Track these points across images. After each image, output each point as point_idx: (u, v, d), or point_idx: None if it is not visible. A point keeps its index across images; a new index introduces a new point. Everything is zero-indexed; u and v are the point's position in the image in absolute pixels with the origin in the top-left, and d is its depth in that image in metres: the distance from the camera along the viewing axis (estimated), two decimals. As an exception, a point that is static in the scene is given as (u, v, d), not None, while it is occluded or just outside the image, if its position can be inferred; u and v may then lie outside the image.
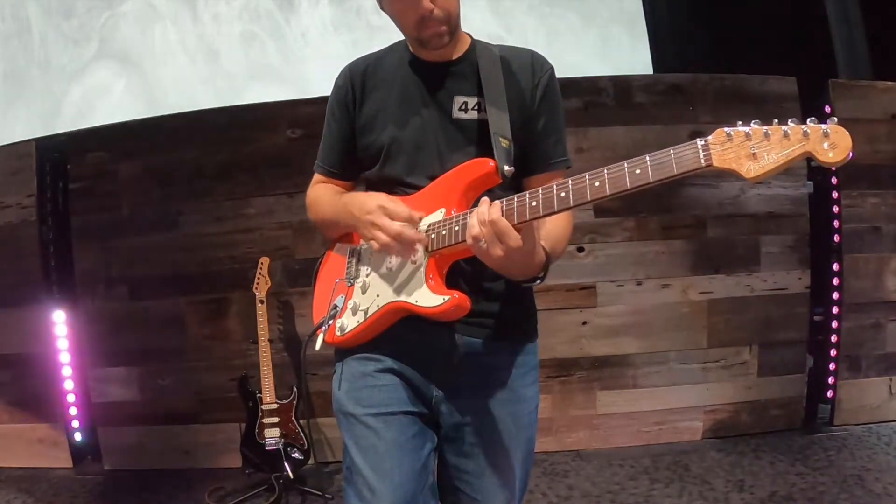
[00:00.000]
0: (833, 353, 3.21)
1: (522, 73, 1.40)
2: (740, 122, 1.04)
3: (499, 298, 1.39)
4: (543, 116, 1.40)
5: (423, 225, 1.31)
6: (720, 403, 3.19)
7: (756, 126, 1.02)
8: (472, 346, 1.37)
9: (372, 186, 1.46)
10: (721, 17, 3.85)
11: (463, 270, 1.34)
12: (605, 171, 1.11)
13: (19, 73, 3.98)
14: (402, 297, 1.31)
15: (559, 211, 1.15)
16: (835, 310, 3.20)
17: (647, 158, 1.07)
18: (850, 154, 0.97)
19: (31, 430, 3.23)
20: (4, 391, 3.23)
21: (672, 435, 3.17)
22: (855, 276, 3.19)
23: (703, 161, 1.04)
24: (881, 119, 3.19)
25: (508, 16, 3.95)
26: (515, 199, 1.19)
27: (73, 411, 3.21)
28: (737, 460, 2.95)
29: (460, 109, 1.38)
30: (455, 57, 1.41)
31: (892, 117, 3.20)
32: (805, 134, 0.99)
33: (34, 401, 3.21)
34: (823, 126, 0.98)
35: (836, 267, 3.20)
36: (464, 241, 1.22)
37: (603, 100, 3.14)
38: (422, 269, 1.29)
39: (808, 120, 1.00)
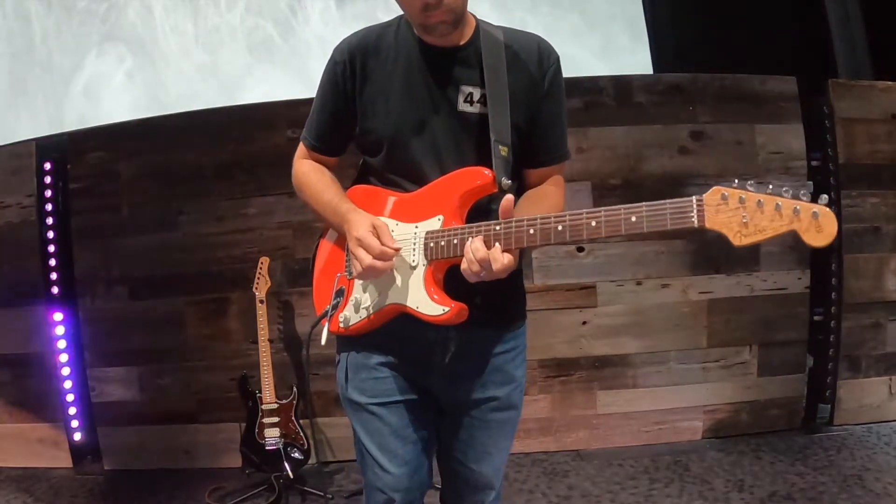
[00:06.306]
0: (833, 353, 3.20)
1: (529, 62, 1.39)
2: (736, 181, 1.08)
3: (491, 289, 1.39)
4: (549, 110, 1.42)
5: (422, 231, 1.36)
6: (720, 403, 3.19)
7: (752, 190, 1.07)
8: (467, 335, 1.43)
9: (371, 172, 1.49)
10: (721, 17, 3.85)
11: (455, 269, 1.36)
12: (603, 212, 1.18)
13: (21, 70, 3.98)
14: (404, 302, 1.37)
15: (555, 243, 1.24)
16: (834, 310, 3.20)
17: (644, 208, 1.14)
18: (832, 240, 1.04)
19: (31, 430, 3.22)
20: (4, 391, 3.23)
21: (672, 435, 3.17)
22: (855, 276, 3.19)
23: (695, 222, 1.10)
24: (881, 119, 3.19)
25: (509, 13, 3.95)
26: (514, 224, 1.24)
27: (73, 411, 3.20)
28: (737, 460, 2.95)
29: (465, 101, 1.38)
30: (461, 42, 1.39)
31: (892, 117, 3.20)
32: (796, 212, 1.04)
33: (34, 401, 3.21)
34: (815, 208, 1.04)
35: (835, 267, 3.19)
36: (461, 255, 1.28)
37: (603, 99, 3.14)
38: (421, 276, 1.35)
39: (801, 193, 1.05)
